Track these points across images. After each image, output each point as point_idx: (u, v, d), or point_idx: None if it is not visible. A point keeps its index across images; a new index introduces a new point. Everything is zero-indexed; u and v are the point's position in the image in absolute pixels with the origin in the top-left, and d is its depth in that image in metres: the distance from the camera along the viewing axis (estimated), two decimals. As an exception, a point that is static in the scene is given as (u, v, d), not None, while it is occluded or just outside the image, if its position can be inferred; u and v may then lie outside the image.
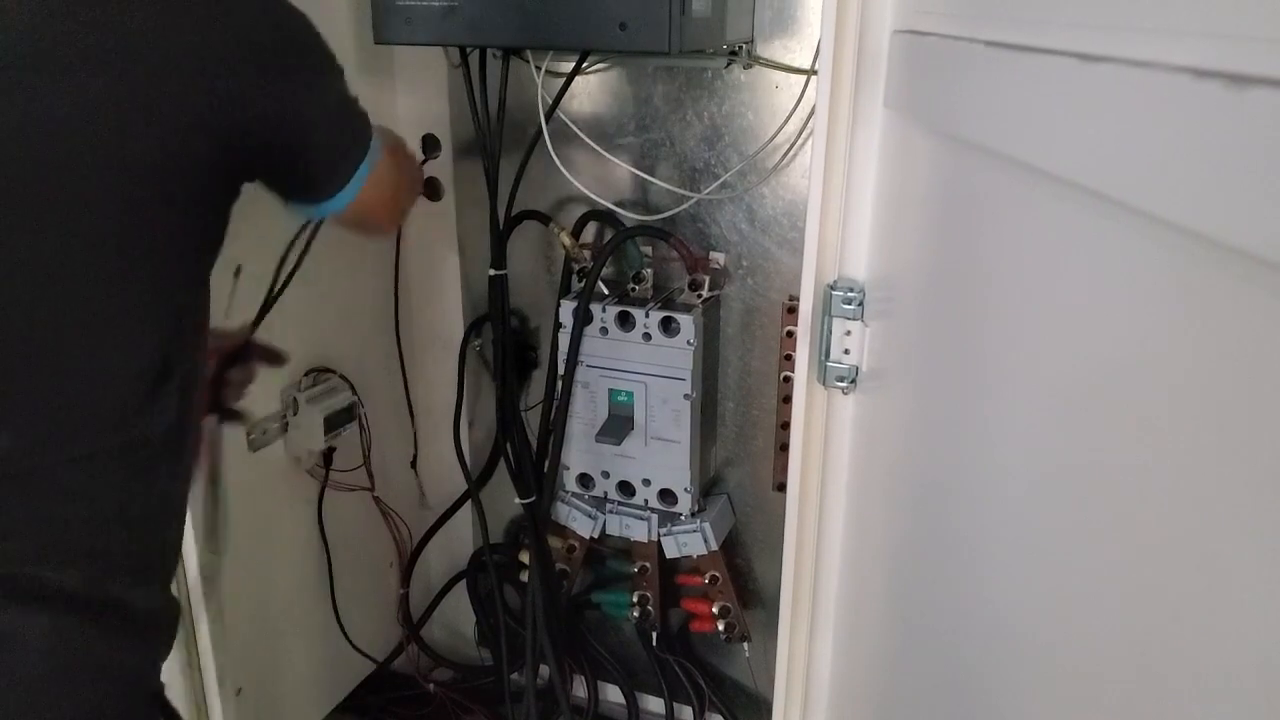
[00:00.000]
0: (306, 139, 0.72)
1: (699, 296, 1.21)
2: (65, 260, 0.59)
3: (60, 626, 0.58)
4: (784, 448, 1.23)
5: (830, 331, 0.76)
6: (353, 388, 1.31)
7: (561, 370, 1.25)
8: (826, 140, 0.72)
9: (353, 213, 0.78)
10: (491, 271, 1.23)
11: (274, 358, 0.99)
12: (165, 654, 0.67)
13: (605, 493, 1.32)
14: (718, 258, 1.24)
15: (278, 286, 1.10)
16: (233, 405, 0.95)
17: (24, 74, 0.55)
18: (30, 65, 0.55)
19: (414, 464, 1.51)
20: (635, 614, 1.37)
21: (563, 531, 1.37)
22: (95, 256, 0.60)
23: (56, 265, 0.59)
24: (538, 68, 1.10)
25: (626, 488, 1.30)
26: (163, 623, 0.66)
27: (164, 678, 0.67)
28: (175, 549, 0.70)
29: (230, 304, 1.00)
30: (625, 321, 1.21)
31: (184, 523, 0.71)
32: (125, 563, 0.63)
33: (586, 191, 1.19)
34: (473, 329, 1.41)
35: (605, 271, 1.23)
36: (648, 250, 1.25)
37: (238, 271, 1.00)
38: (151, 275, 0.64)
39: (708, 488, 1.33)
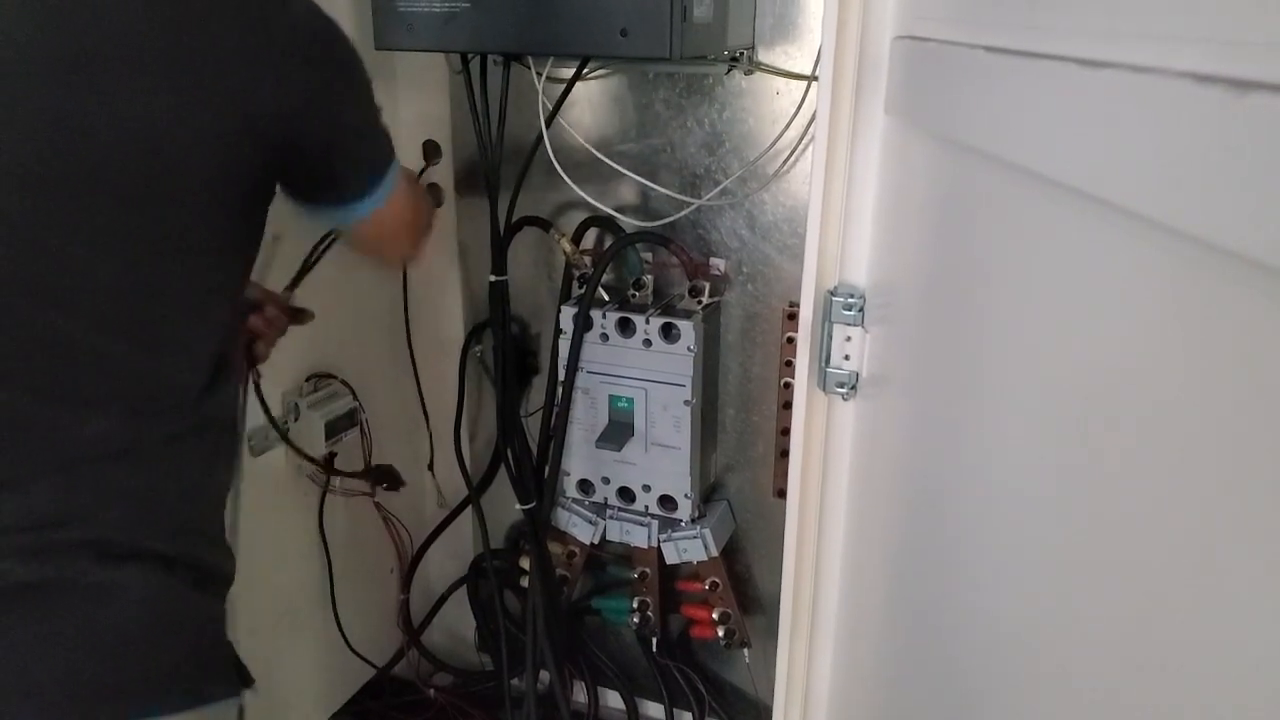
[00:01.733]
0: (340, 140, 0.75)
1: (699, 303, 1.21)
2: (159, 254, 0.64)
3: (155, 581, 0.64)
4: (784, 454, 1.23)
5: (831, 337, 0.76)
6: (354, 393, 1.31)
7: (562, 376, 1.25)
8: (827, 146, 0.72)
9: (373, 227, 0.81)
10: (492, 277, 1.23)
11: (303, 315, 1.03)
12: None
13: (605, 499, 1.31)
14: (718, 264, 1.24)
15: (314, 256, 1.14)
16: (262, 359, 1.00)
17: (112, 73, 0.58)
18: (121, 64, 0.58)
19: (431, 466, 1.52)
20: (635, 620, 1.37)
21: (563, 537, 1.37)
22: (181, 250, 0.65)
23: (151, 259, 0.63)
24: (539, 74, 1.11)
25: (627, 494, 1.30)
26: (229, 578, 0.73)
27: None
28: (222, 513, 0.76)
29: (268, 271, 1.03)
30: (626, 328, 1.21)
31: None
32: (204, 528, 0.71)
33: (587, 198, 1.19)
34: (473, 335, 1.42)
35: (606, 278, 1.23)
36: (648, 256, 1.26)
37: (276, 238, 1.01)
38: (217, 269, 0.70)
39: (708, 494, 1.33)
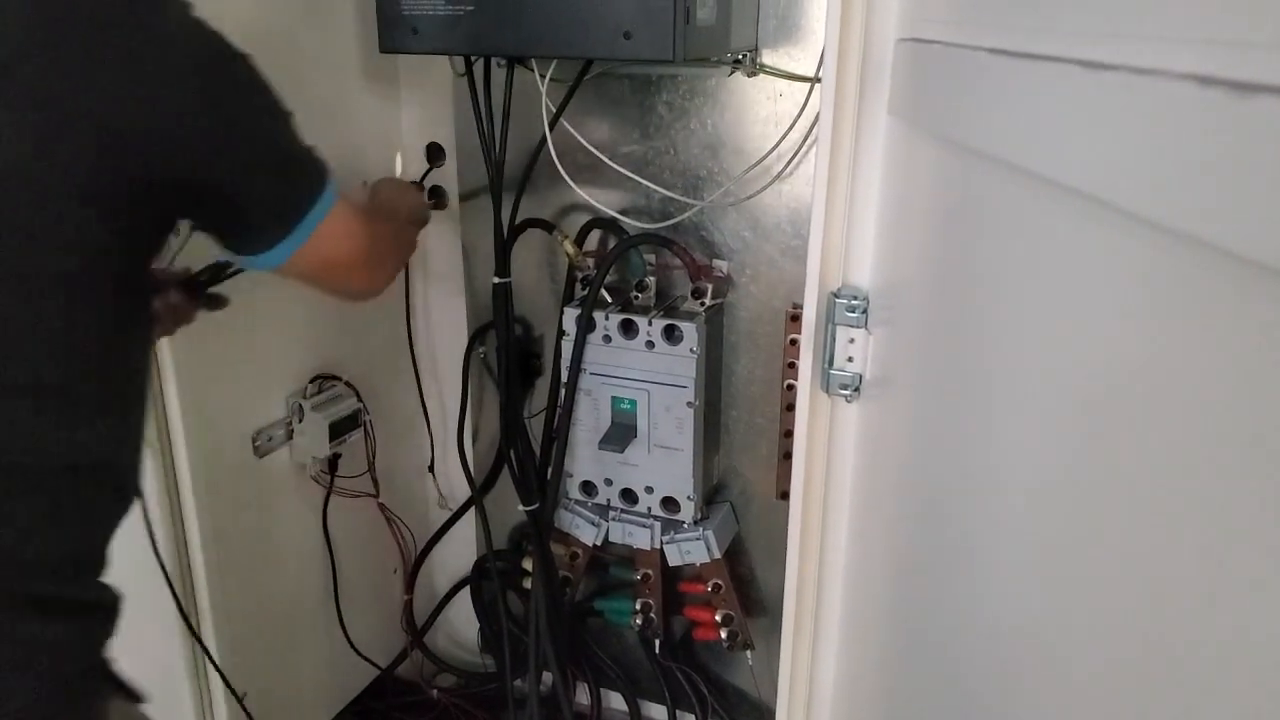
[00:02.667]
0: (242, 178, 0.70)
1: (702, 304, 1.21)
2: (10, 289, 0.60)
3: (5, 618, 0.61)
4: (787, 455, 1.23)
5: (834, 339, 0.76)
6: (358, 395, 1.31)
7: (565, 378, 1.25)
8: (830, 148, 0.72)
9: (299, 268, 0.76)
10: (495, 279, 1.24)
11: (219, 302, 0.96)
12: (105, 636, 0.69)
13: (608, 500, 1.31)
14: (721, 265, 1.24)
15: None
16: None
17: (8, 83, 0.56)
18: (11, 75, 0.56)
19: (431, 468, 1.52)
20: (638, 621, 1.37)
21: (566, 539, 1.37)
22: (34, 287, 0.61)
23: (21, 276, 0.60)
24: (542, 76, 1.11)
25: (629, 495, 1.30)
26: (108, 610, 0.69)
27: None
28: (103, 549, 0.71)
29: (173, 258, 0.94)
30: (628, 329, 1.22)
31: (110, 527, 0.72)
32: (66, 567, 0.67)
33: (590, 200, 1.19)
34: (477, 336, 1.42)
35: (609, 279, 1.23)
36: (651, 258, 1.26)
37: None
38: (85, 304, 0.64)
39: (711, 495, 1.33)
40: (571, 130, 1.20)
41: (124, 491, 0.72)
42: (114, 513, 0.71)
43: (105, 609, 0.69)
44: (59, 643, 0.64)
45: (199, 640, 1.09)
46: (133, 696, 0.72)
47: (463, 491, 1.46)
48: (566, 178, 1.15)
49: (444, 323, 1.46)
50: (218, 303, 0.95)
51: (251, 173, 0.70)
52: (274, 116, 0.71)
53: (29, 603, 0.63)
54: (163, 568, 1.02)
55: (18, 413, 0.62)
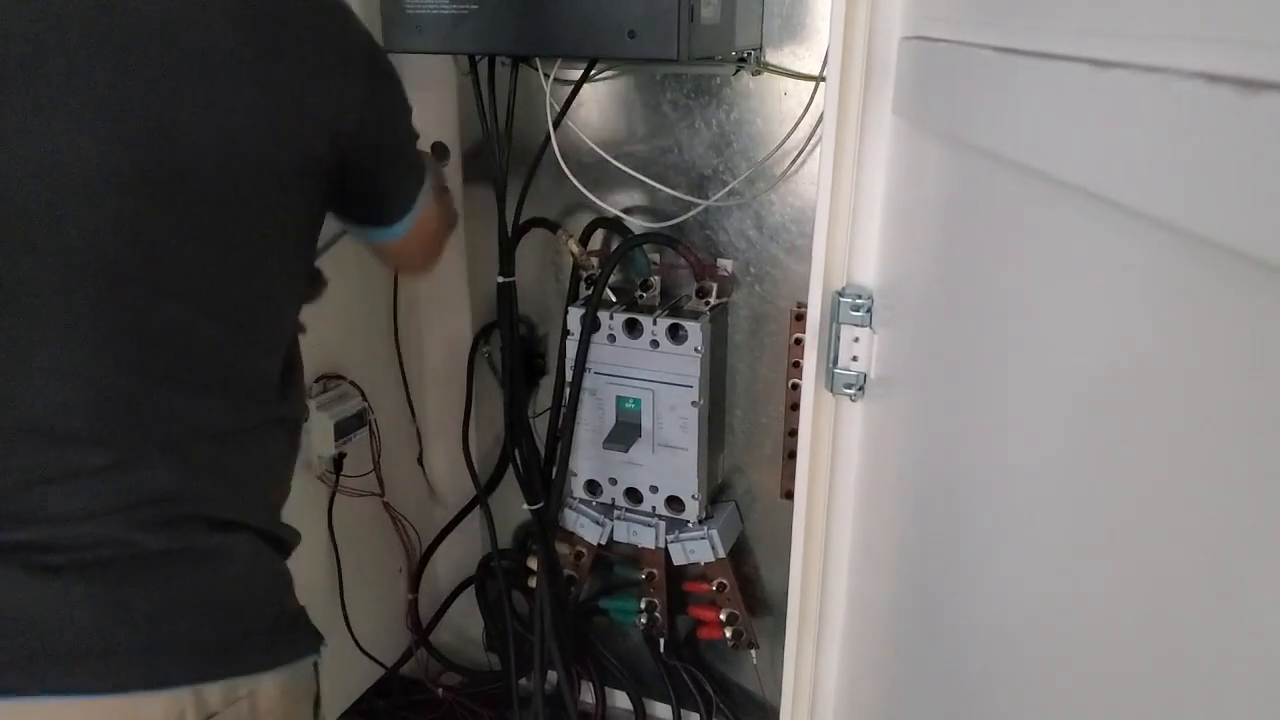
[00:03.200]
0: (388, 161, 0.79)
1: (706, 304, 1.21)
2: (251, 247, 0.68)
3: (252, 549, 0.71)
4: (792, 455, 1.23)
5: (838, 338, 0.76)
6: (363, 394, 1.31)
7: (569, 377, 1.25)
8: (835, 147, 0.72)
9: (402, 244, 0.86)
10: (500, 279, 1.24)
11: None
12: None
13: (613, 499, 1.32)
14: (725, 265, 1.24)
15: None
16: None
17: (202, 85, 0.62)
18: (209, 76, 0.62)
19: (420, 460, 1.52)
20: (643, 620, 1.37)
21: (570, 538, 1.37)
22: (267, 244, 0.69)
23: (244, 251, 0.67)
24: (546, 75, 1.11)
25: (634, 494, 1.30)
26: (291, 550, 0.81)
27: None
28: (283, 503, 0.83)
29: None
30: (633, 329, 1.21)
31: None
32: (276, 512, 0.80)
33: (594, 199, 1.19)
34: (481, 336, 1.42)
35: (613, 279, 1.23)
36: (655, 257, 1.26)
37: None
38: (294, 262, 0.75)
39: (715, 495, 1.33)
40: (576, 129, 1.20)
41: (298, 448, 0.82)
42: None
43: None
44: (289, 575, 0.77)
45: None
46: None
47: (466, 491, 1.46)
48: (571, 177, 1.15)
49: (448, 322, 1.46)
50: (322, 281, 1.03)
51: (394, 158, 0.80)
52: (406, 110, 0.80)
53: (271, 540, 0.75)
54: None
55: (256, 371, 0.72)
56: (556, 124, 1.12)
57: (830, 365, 0.77)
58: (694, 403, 1.21)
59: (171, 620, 0.64)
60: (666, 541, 1.30)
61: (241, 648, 0.67)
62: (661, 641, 1.38)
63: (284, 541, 0.78)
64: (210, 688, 0.64)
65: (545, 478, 1.32)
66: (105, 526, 0.62)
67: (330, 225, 0.81)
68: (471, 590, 1.52)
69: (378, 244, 0.87)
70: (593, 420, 1.28)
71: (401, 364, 1.43)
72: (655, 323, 1.20)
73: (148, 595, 0.64)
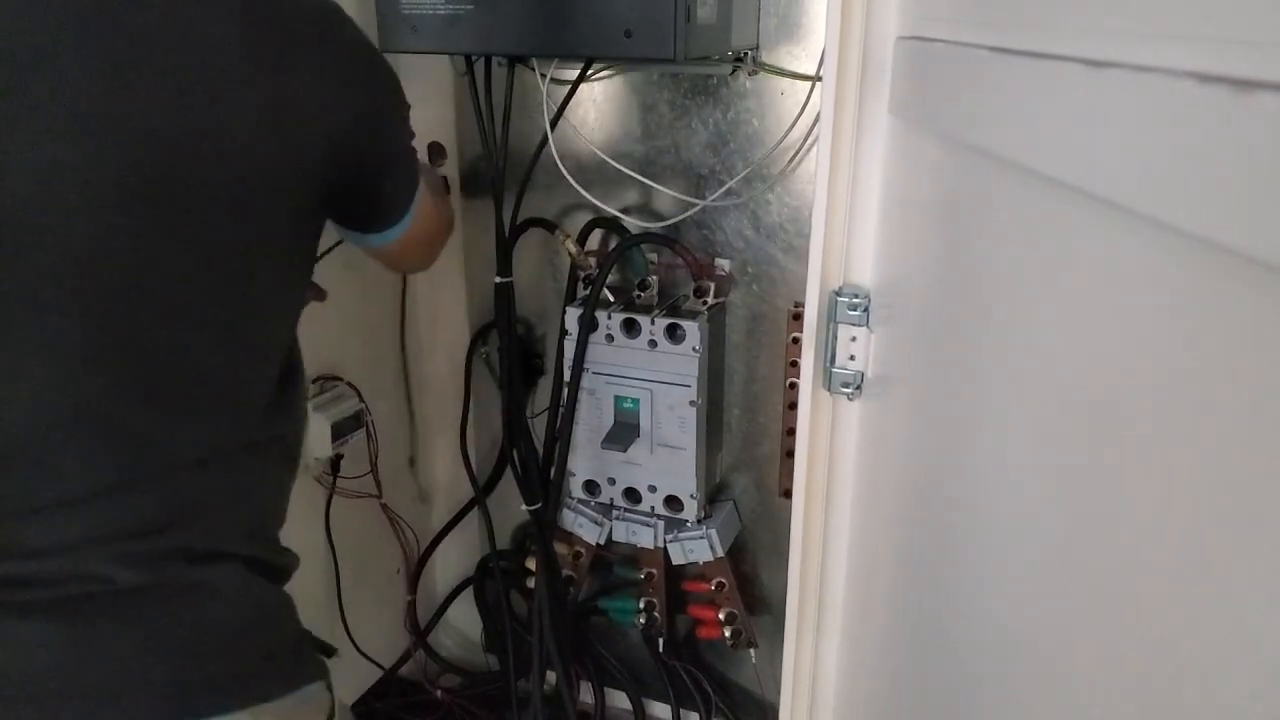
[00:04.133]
0: (387, 165, 0.78)
1: (704, 303, 1.21)
2: (248, 260, 0.66)
3: (239, 580, 0.68)
4: (790, 454, 1.23)
5: (835, 338, 0.76)
6: (360, 395, 1.31)
7: (567, 377, 1.25)
8: (831, 146, 0.72)
9: (399, 248, 0.85)
10: (497, 279, 1.23)
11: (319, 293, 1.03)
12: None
13: (611, 499, 1.32)
14: (723, 264, 1.24)
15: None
16: None
17: (205, 96, 0.60)
18: (213, 87, 0.60)
19: (412, 462, 1.52)
20: (642, 620, 1.37)
21: (569, 538, 1.37)
22: (265, 258, 0.67)
23: (241, 265, 0.65)
24: (543, 75, 1.11)
25: (632, 494, 1.30)
26: (290, 572, 0.77)
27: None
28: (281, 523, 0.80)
29: None
30: (631, 329, 1.22)
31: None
32: (274, 532, 0.76)
33: (592, 199, 1.19)
34: (479, 336, 1.42)
35: (611, 279, 1.23)
36: (653, 257, 1.26)
37: None
38: (291, 277, 0.73)
39: (714, 494, 1.33)
40: (573, 129, 1.20)
41: (297, 462, 0.79)
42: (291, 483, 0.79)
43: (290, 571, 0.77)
44: (287, 602, 0.73)
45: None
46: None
47: (464, 492, 1.46)
48: (568, 177, 1.15)
49: (446, 323, 1.46)
50: (321, 293, 1.01)
51: (392, 164, 0.79)
52: (404, 113, 0.79)
53: (265, 568, 0.71)
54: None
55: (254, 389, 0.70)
56: (553, 124, 1.12)
57: (827, 364, 0.77)
58: (692, 402, 1.21)
59: (147, 660, 0.61)
60: (665, 541, 1.30)
61: (232, 684, 0.65)
62: (660, 641, 1.38)
63: (278, 569, 0.75)
64: None
65: (544, 478, 1.32)
66: (82, 561, 0.60)
67: (328, 234, 0.80)
68: (470, 591, 1.52)
69: (375, 248, 0.86)
70: (591, 420, 1.28)
71: (400, 364, 1.43)
72: (653, 322, 1.20)
73: (123, 634, 0.61)
